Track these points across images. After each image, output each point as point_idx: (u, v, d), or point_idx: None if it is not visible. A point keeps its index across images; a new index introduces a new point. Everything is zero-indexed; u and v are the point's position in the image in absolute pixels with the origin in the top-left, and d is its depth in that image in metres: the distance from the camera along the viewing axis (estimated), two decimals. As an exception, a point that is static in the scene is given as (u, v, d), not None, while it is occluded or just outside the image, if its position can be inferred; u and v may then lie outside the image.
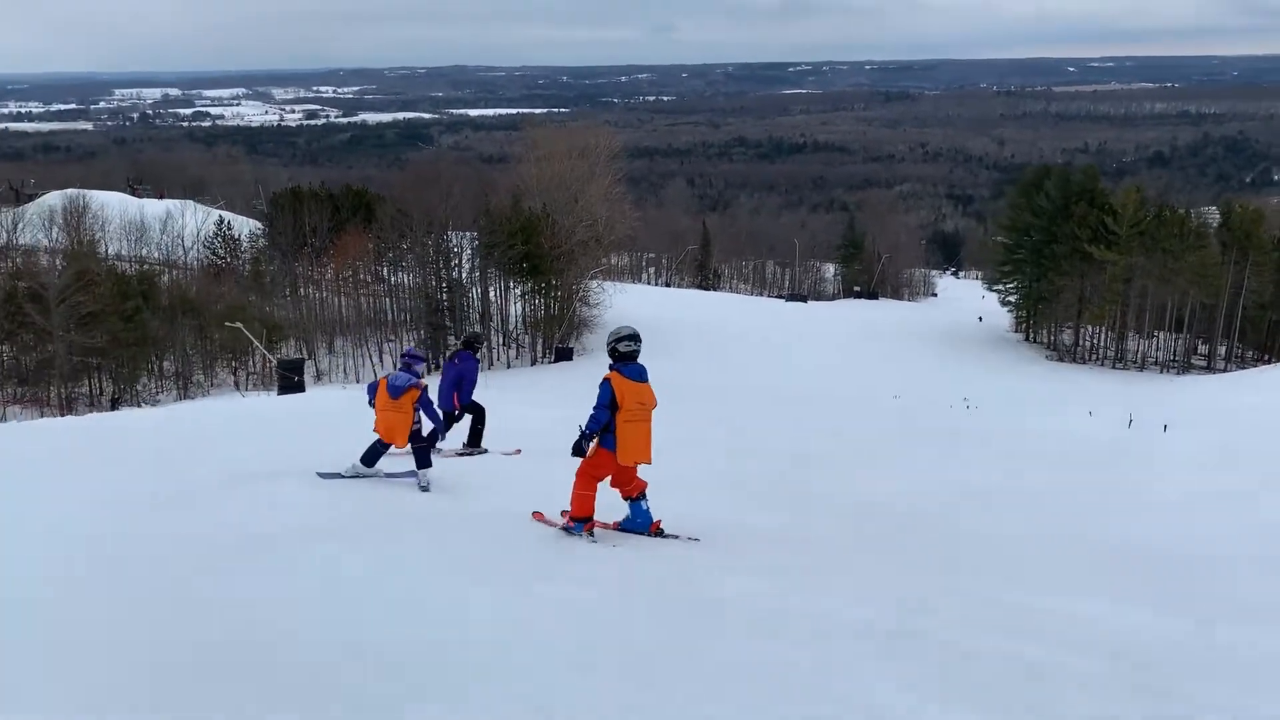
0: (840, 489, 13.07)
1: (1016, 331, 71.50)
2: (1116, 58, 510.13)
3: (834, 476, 14.30)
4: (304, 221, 58.58)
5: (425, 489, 9.95)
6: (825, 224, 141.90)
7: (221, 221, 63.85)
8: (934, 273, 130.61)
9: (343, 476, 9.98)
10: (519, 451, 13.46)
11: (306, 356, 49.73)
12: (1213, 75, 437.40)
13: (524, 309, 60.90)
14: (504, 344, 60.45)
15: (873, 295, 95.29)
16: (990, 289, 76.54)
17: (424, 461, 10.14)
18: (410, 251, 55.95)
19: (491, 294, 61.91)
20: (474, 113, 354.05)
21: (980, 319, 73.49)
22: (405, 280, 58.93)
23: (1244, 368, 58.75)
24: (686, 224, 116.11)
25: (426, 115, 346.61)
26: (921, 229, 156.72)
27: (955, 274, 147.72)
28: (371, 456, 10.04)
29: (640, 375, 7.92)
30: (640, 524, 8.18)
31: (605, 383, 7.79)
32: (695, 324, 60.88)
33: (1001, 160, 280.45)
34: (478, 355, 13.57)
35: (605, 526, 8.38)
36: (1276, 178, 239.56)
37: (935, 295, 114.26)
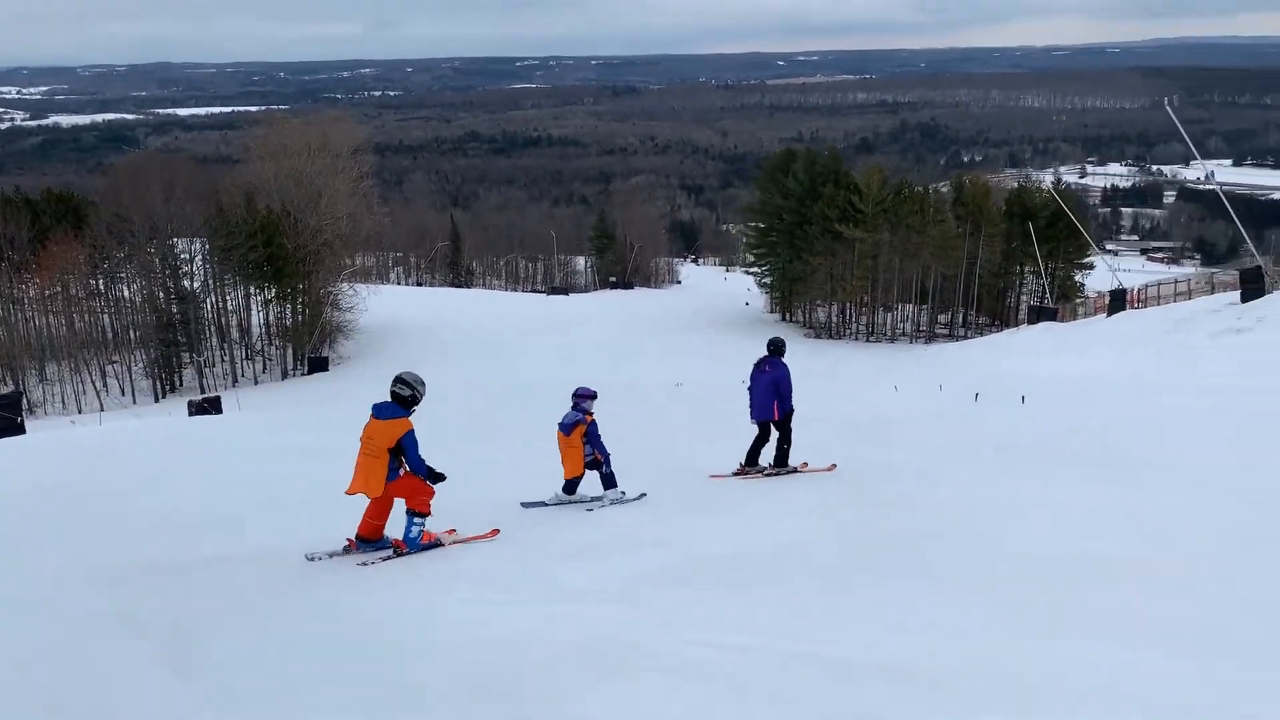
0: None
1: (773, 312, 73.22)
2: (820, 51, 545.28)
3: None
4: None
5: (618, 502, 10.56)
6: (571, 217, 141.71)
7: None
8: (676, 261, 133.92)
9: (546, 504, 10.62)
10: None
11: (16, 388, 42.43)
12: (904, 67, 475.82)
13: (268, 318, 55.48)
14: (247, 358, 54.84)
15: (628, 285, 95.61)
16: (730, 272, 78.20)
17: (610, 483, 10.69)
18: (130, 260, 49.33)
19: (230, 303, 56.00)
20: (184, 112, 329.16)
21: (747, 303, 74.87)
22: (127, 293, 52.05)
23: (982, 334, 62.76)
24: (433, 219, 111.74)
25: (130, 116, 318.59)
26: (660, 219, 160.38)
27: (695, 261, 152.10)
28: (570, 488, 10.74)
29: (376, 413, 8.03)
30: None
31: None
32: (461, 323, 57.88)
33: (726, 151, 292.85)
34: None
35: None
36: (966, 159, 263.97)
37: (680, 282, 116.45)
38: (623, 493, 10.62)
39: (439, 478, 8.13)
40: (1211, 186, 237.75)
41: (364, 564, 7.81)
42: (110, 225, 47.76)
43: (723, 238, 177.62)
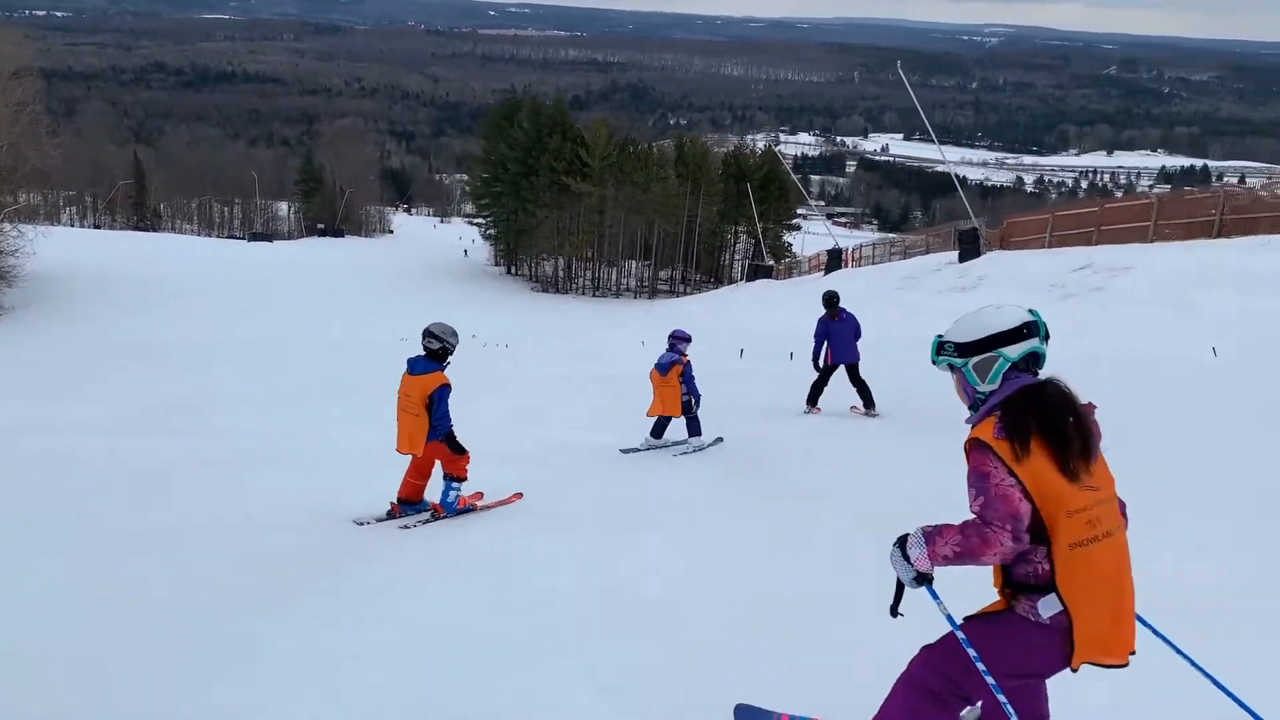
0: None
1: (497, 264, 71.70)
2: (532, 5, 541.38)
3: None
4: None
5: (700, 450, 10.53)
6: (272, 159, 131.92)
7: None
8: (388, 209, 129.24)
9: (639, 450, 10.69)
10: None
11: None
12: (613, 27, 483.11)
13: (-95, 260, 47.02)
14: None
15: (338, 232, 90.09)
16: (445, 222, 76.00)
17: (695, 430, 10.69)
18: None
19: None
20: None
21: (466, 252, 72.75)
22: None
23: (701, 290, 64.62)
24: (112, 155, 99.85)
25: None
26: (370, 165, 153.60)
27: (408, 210, 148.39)
28: (659, 430, 10.77)
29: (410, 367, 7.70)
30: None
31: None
32: (147, 273, 51.88)
33: (438, 98, 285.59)
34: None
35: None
36: (673, 122, 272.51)
37: (391, 232, 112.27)
38: (703, 440, 10.75)
39: (460, 449, 7.62)
40: (886, 158, 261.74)
41: (404, 527, 7.51)
42: None
43: (436, 188, 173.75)
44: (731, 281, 69.33)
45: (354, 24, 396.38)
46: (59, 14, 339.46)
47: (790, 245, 68.49)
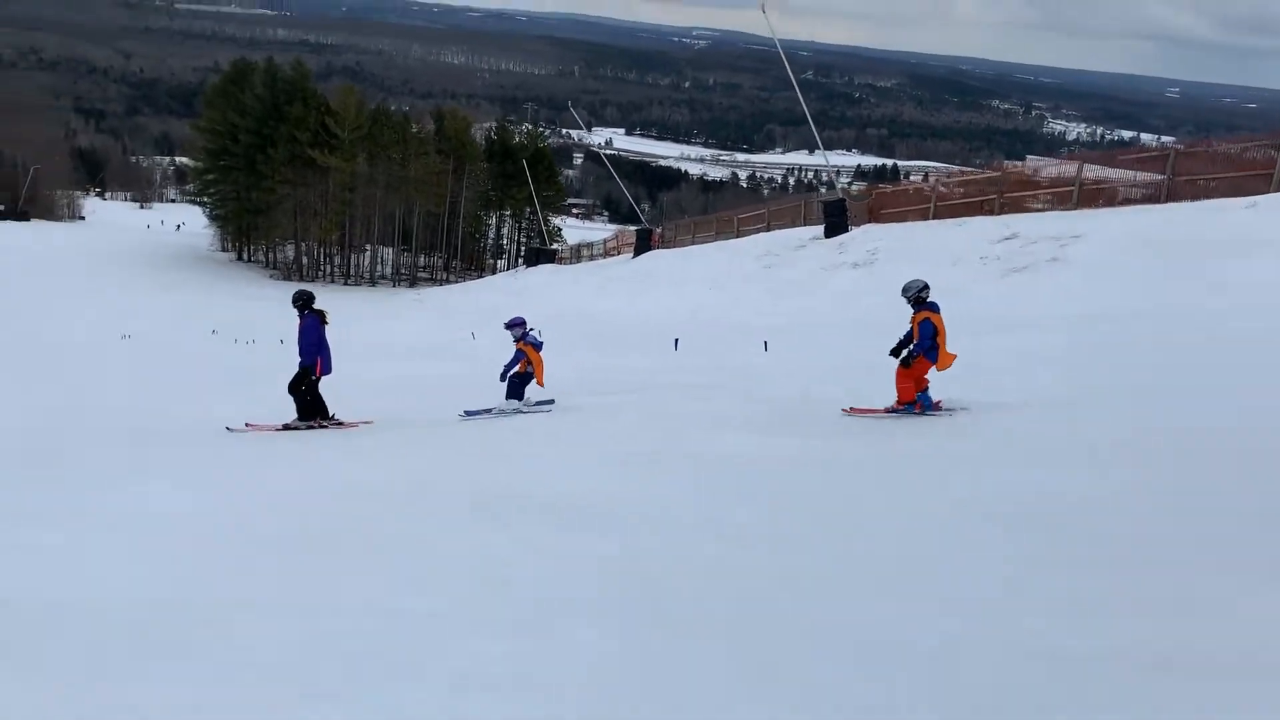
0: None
1: (227, 250, 63.42)
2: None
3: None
4: None
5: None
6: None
7: None
8: (78, 193, 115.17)
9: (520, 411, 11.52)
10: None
11: None
12: (327, 9, 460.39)
13: None
14: None
15: (23, 216, 77.77)
16: (146, 208, 67.22)
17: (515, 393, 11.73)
18: None
19: None
20: None
21: (179, 226, 64.11)
22: None
23: (464, 279, 60.11)
24: None
25: None
26: (53, 143, 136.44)
27: (101, 195, 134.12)
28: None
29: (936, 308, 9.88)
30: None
31: (926, 321, 9.70)
32: None
33: (130, 75, 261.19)
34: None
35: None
36: (394, 108, 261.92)
37: (84, 218, 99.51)
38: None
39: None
40: (611, 152, 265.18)
41: None
42: None
43: (134, 170, 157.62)
44: (492, 270, 65.20)
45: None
46: None
47: (560, 230, 65.10)
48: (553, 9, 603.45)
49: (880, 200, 27.44)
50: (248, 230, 60.65)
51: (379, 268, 60.06)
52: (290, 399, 11.37)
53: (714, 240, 33.96)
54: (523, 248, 66.49)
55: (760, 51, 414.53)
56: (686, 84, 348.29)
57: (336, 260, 59.27)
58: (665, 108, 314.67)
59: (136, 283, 47.07)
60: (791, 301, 20.77)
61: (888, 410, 9.76)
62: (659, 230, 40.87)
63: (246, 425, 11.14)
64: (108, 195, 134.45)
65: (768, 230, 30.81)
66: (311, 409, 11.41)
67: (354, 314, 42.08)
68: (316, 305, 11.20)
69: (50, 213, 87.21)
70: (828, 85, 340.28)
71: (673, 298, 25.80)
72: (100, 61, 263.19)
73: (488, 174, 60.24)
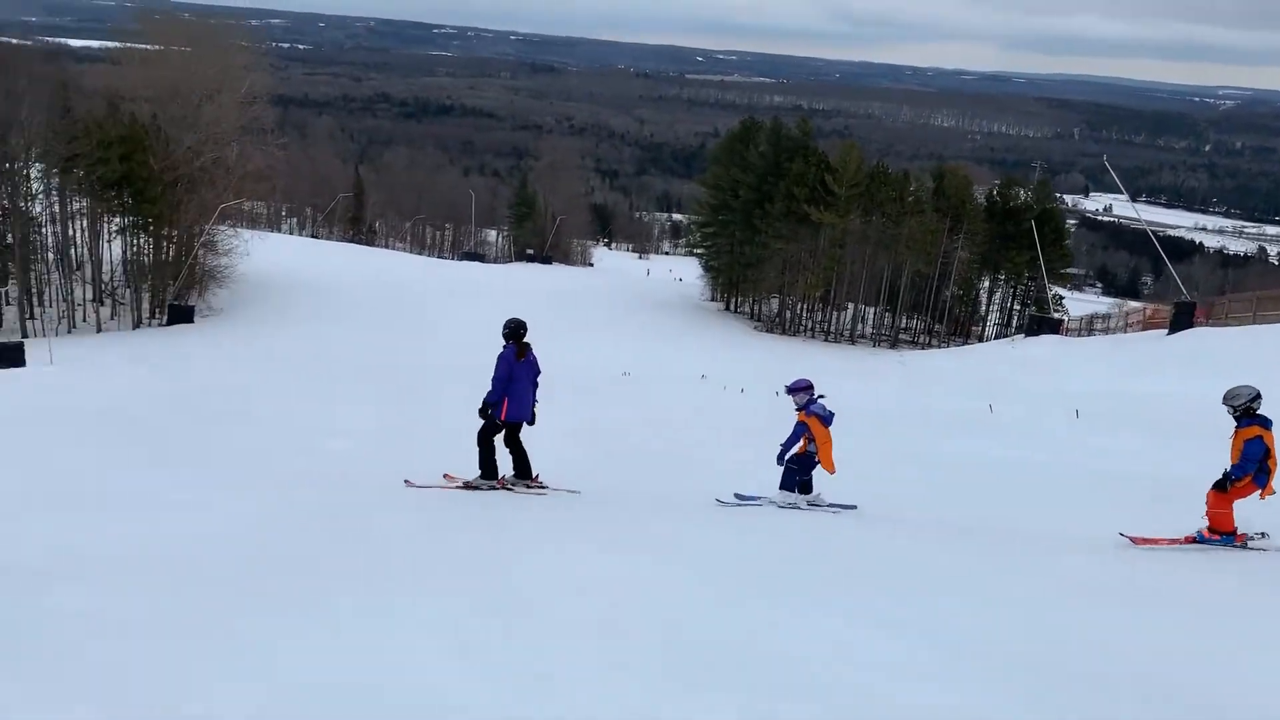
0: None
1: (715, 299, 65.68)
2: (739, 52, 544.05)
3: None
4: None
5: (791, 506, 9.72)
6: (483, 188, 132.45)
7: None
8: (589, 243, 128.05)
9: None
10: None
11: None
12: (820, 75, 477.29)
13: (125, 253, 45.18)
14: (97, 300, 44.51)
15: (546, 259, 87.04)
16: (645, 259, 70.74)
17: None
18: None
19: (75, 231, 45.53)
20: (75, 43, 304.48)
21: (680, 279, 67.51)
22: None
23: (947, 344, 56.53)
24: (336, 171, 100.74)
25: (15, 40, 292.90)
26: (579, 197, 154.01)
27: (608, 245, 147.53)
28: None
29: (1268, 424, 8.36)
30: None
31: (1257, 439, 8.13)
32: (364, 284, 48.65)
33: (642, 138, 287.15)
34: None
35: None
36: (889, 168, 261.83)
37: (592, 264, 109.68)
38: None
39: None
40: (1111, 219, 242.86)
41: None
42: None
43: (636, 225, 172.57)
44: (978, 337, 60.88)
45: (568, 65, 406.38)
46: (301, 46, 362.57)
47: (1061, 299, 59.25)
48: (1056, 70, 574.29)
49: None
50: (738, 282, 62.21)
51: (859, 326, 58.55)
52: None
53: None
54: (1013, 315, 61.44)
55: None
56: (1207, 147, 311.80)
57: (818, 316, 58.74)
58: (1179, 173, 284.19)
59: (635, 323, 49.74)
60: None
61: (1191, 539, 8.40)
62: (1204, 303, 34.64)
63: (406, 483, 9.50)
64: (613, 246, 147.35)
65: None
66: (489, 463, 9.35)
67: (836, 371, 40.88)
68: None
69: (567, 258, 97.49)
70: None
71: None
72: (619, 127, 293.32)
73: (986, 235, 56.36)
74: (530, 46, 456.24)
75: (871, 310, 58.98)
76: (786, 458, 9.60)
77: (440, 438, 12.72)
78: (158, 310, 43.82)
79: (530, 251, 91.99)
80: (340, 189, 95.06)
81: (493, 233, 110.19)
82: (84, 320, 42.50)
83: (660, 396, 24.78)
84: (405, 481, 9.48)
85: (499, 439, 9.36)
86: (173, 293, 43.93)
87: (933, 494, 12.22)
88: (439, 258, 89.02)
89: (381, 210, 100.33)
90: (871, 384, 32.34)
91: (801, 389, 9.81)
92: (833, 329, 57.86)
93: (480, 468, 9.33)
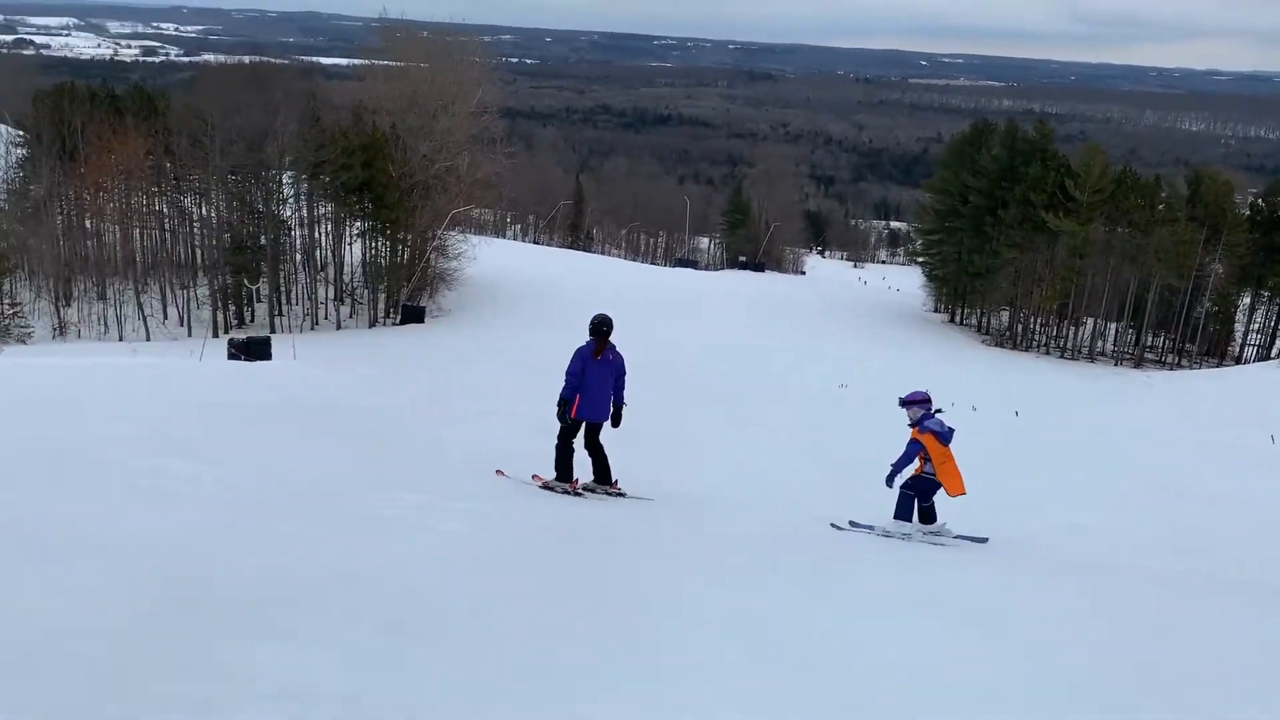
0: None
1: (939, 310, 62.73)
2: (965, 55, 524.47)
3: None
4: (71, 125, 43.40)
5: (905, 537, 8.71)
6: (697, 195, 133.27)
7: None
8: (802, 251, 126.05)
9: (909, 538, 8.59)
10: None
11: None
12: (1054, 78, 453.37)
13: (364, 255, 47.70)
14: (337, 299, 47.23)
15: (759, 267, 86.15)
16: (859, 268, 68.24)
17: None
18: (205, 163, 41.42)
19: (321, 235, 48.48)
20: (326, 61, 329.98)
21: (898, 289, 65.02)
22: (201, 211, 44.77)
23: (1199, 365, 51.58)
24: (557, 179, 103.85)
25: (275, 60, 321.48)
26: (791, 205, 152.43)
27: (821, 253, 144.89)
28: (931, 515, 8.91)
29: None
30: None
31: None
32: (585, 288, 49.27)
33: (860, 145, 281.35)
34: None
35: None
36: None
37: (804, 273, 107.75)
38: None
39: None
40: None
41: None
42: (183, 123, 40.16)
43: (851, 233, 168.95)
44: (1234, 359, 55.26)
45: (785, 72, 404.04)
46: (529, 61, 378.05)
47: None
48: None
49: None
50: (964, 293, 59.11)
51: (1099, 343, 54.27)
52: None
53: None
54: (1277, 335, 55.43)
55: None
56: None
57: (1053, 331, 54.91)
58: None
59: (852, 334, 48.07)
60: None
61: None
62: None
63: (498, 472, 9.23)
64: (826, 254, 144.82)
65: None
66: (564, 464, 8.84)
67: (1075, 390, 37.87)
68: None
69: (779, 265, 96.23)
70: None
71: None
72: (836, 133, 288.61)
73: (1248, 246, 51.00)
74: (748, 55, 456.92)
75: (1113, 326, 54.54)
76: (900, 482, 8.73)
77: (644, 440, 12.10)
78: (392, 310, 45.95)
79: (743, 259, 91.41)
80: (561, 197, 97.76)
81: (704, 240, 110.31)
82: (325, 318, 45.11)
83: (880, 411, 23.61)
84: (497, 471, 9.21)
85: (579, 441, 8.93)
86: (406, 294, 45.96)
87: (1209, 539, 10.54)
88: (651, 264, 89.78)
89: (599, 217, 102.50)
90: (1121, 406, 29.68)
91: (917, 402, 8.91)
92: (1069, 345, 53.94)
93: (555, 468, 8.94)
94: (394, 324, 44.38)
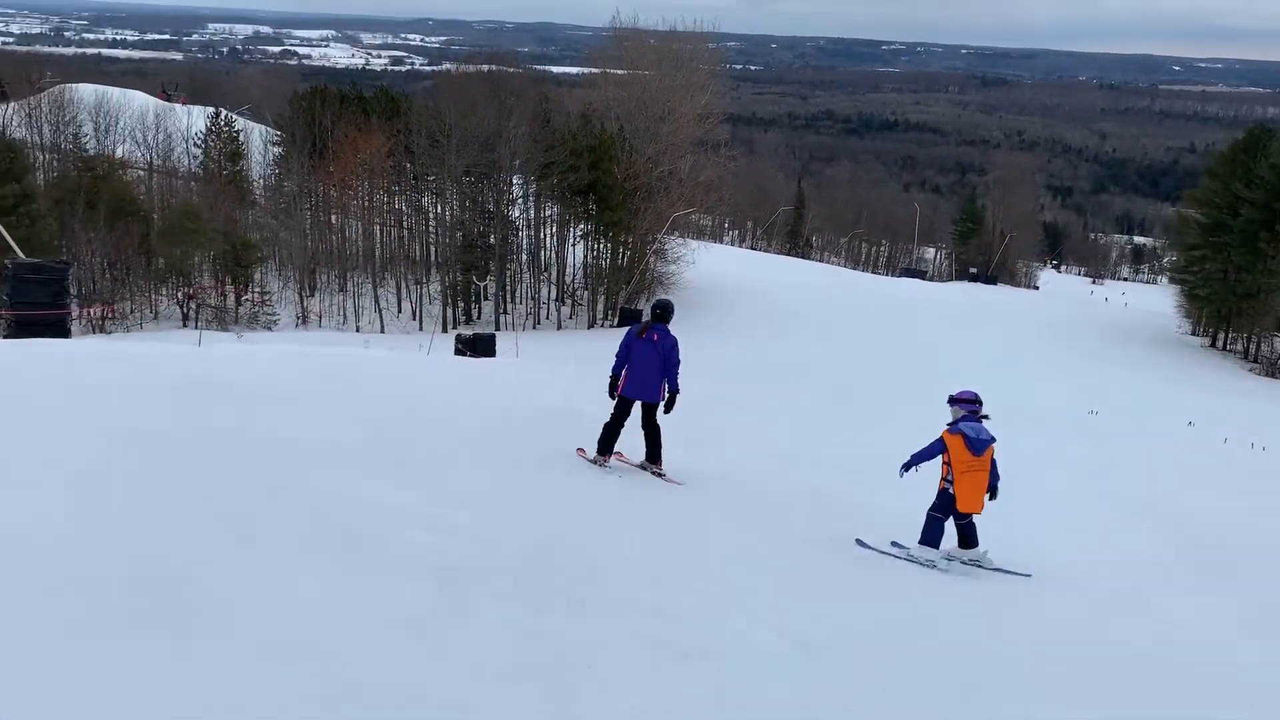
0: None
1: (1197, 334, 57.01)
2: (1225, 59, 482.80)
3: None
4: (323, 125, 46.03)
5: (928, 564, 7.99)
6: (922, 203, 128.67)
7: (218, 115, 51.53)
8: (1035, 264, 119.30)
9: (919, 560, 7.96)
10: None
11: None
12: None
13: (586, 257, 48.02)
14: (559, 299, 47.77)
15: (991, 279, 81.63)
16: (1099, 285, 62.54)
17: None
18: (441, 164, 42.72)
19: (547, 236, 49.17)
20: (557, 69, 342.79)
21: (1126, 303, 59.91)
22: (437, 210, 46.32)
23: None
24: (777, 184, 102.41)
25: (511, 70, 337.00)
26: (1026, 216, 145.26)
27: (1056, 267, 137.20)
28: (971, 535, 8.14)
29: None
30: None
31: None
32: (807, 297, 47.80)
33: (1103, 154, 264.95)
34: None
35: None
36: None
37: (1037, 288, 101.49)
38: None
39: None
40: None
41: None
42: (421, 123, 41.57)
43: (1089, 247, 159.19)
44: None
45: (1021, 78, 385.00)
46: (753, 68, 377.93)
47: None
48: None
49: None
50: (1229, 315, 53.40)
51: (1397, 379, 47.61)
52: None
53: None
54: None
55: None
56: None
57: (1336, 362, 48.69)
58: None
59: (1096, 355, 44.33)
60: None
61: None
62: None
63: (579, 451, 9.34)
64: (1061, 268, 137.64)
65: None
66: (608, 437, 8.99)
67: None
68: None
69: (1012, 279, 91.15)
70: None
71: None
72: (1075, 142, 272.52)
73: None
74: (982, 60, 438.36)
75: None
76: (911, 466, 8.17)
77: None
78: (610, 312, 45.99)
79: (973, 270, 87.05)
80: (781, 203, 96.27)
81: (930, 250, 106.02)
82: (546, 318, 45.66)
83: (1134, 440, 21.42)
84: (578, 450, 9.27)
85: (635, 421, 9.06)
86: (624, 296, 45.89)
87: None
88: (874, 273, 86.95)
89: (820, 224, 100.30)
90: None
91: (963, 400, 8.21)
92: (1357, 379, 47.61)
93: (598, 441, 9.09)
94: (612, 325, 44.36)
